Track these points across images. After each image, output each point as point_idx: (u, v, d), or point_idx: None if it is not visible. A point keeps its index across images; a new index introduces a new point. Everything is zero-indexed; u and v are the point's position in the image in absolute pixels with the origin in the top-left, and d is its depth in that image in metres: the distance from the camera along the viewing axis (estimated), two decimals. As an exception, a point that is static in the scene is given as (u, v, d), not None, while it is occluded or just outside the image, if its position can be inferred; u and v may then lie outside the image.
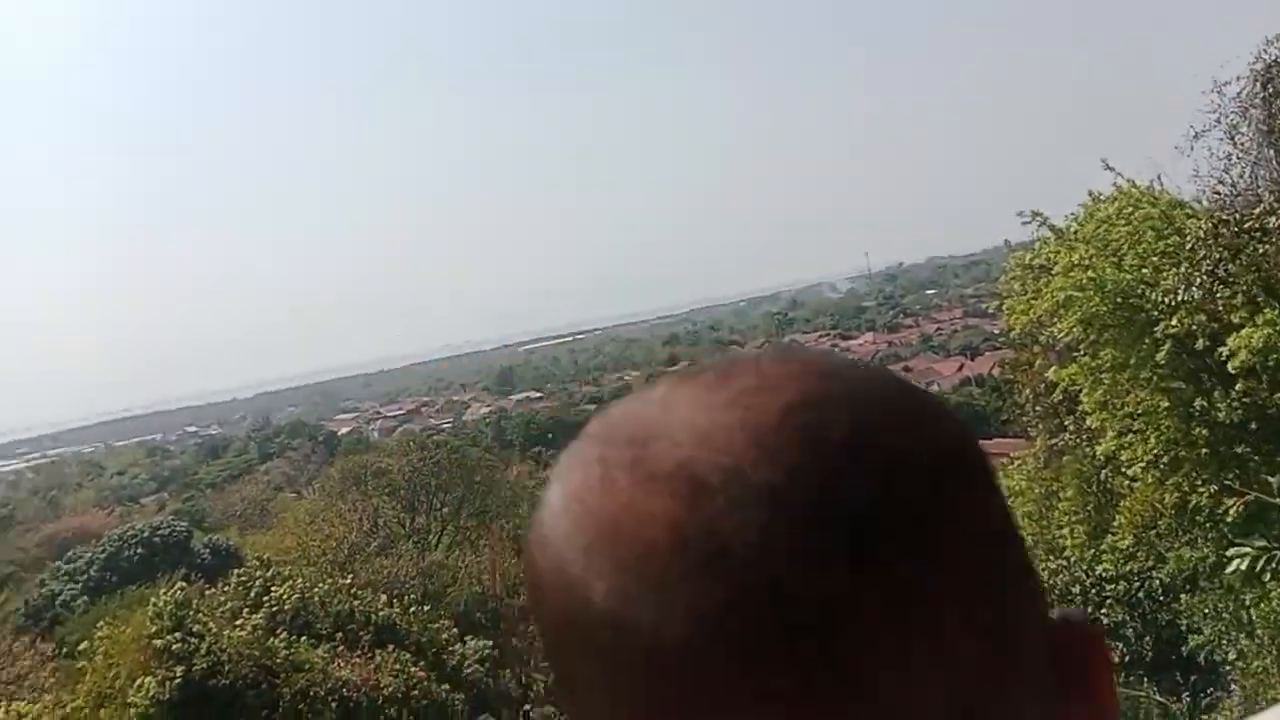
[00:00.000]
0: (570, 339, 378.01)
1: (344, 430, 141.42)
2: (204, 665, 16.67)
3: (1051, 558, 18.66)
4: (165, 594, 18.45)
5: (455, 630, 23.17)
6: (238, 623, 18.76)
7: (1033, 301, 16.30)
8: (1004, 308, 17.93)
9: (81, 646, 19.88)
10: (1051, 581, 17.48)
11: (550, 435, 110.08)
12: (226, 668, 16.90)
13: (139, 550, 50.35)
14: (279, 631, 18.56)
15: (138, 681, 16.40)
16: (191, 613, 17.95)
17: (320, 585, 22.00)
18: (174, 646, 16.81)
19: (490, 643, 24.92)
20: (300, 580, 21.53)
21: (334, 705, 16.99)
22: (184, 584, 20.31)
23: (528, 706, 31.20)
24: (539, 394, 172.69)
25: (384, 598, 22.69)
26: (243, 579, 21.75)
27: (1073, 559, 18.44)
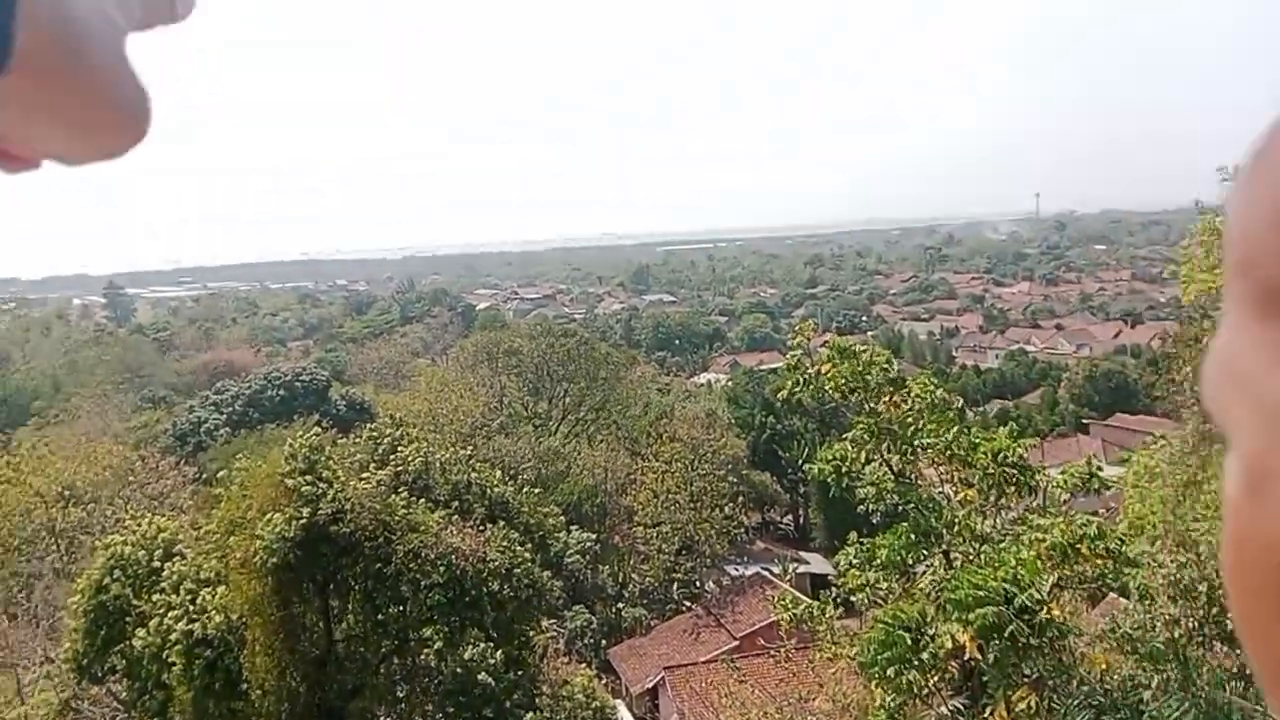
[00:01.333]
0: (710, 245, 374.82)
1: (482, 305, 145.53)
2: (329, 510, 17.65)
3: (1181, 550, 17.66)
4: (301, 437, 19.48)
5: (562, 519, 23.75)
6: (364, 475, 19.74)
7: (1216, 271, 15.03)
8: (1180, 274, 16.63)
9: (220, 474, 21.24)
10: (1177, 576, 16.58)
11: (677, 341, 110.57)
12: (349, 516, 17.85)
13: (281, 391, 53.60)
14: (400, 490, 19.45)
15: (267, 516, 17.50)
16: (323, 459, 18.93)
17: (443, 452, 22.90)
18: (304, 488, 17.82)
19: (594, 536, 25.59)
20: (425, 445, 22.43)
21: (442, 569, 17.77)
22: (318, 430, 21.27)
23: (620, 605, 32.16)
24: (672, 297, 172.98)
25: (499, 474, 23.46)
26: (373, 434, 22.81)
27: (1204, 555, 17.43)
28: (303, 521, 17.38)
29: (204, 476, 33.12)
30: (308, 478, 18.13)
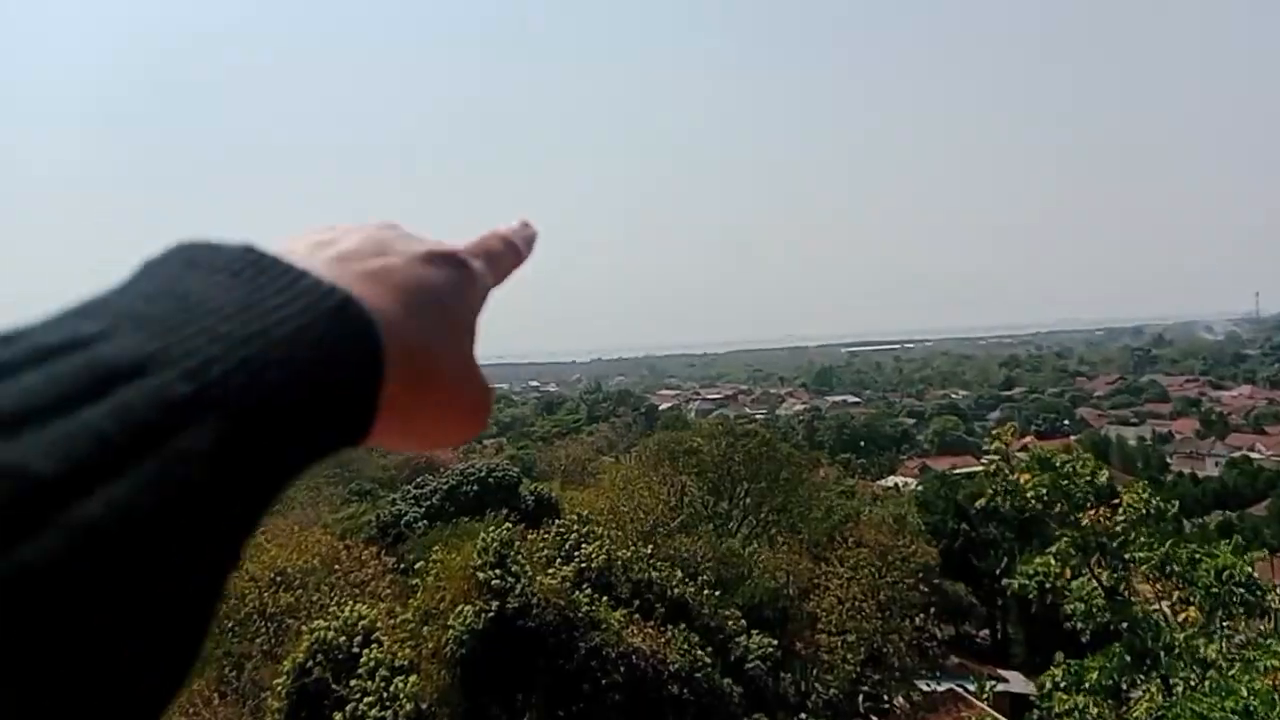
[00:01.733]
0: (898, 346, 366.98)
1: (664, 405, 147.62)
2: (516, 604, 18.14)
3: None
4: (493, 531, 20.24)
5: (743, 622, 23.33)
6: (550, 571, 20.20)
7: None
8: None
9: (417, 565, 22.25)
10: None
11: (862, 443, 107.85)
12: (534, 610, 18.27)
13: (475, 487, 55.89)
14: (584, 586, 19.74)
15: (459, 607, 18.16)
16: (512, 553, 19.55)
17: (624, 550, 23.12)
18: (494, 581, 18.43)
19: (775, 642, 24.88)
20: (608, 542, 22.73)
21: (622, 669, 17.80)
22: (508, 525, 22.00)
23: (803, 715, 30.85)
24: (856, 398, 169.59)
25: (679, 574, 23.40)
26: (560, 530, 23.36)
27: None
28: (491, 614, 17.93)
29: (402, 566, 34.67)
30: (497, 571, 18.75)
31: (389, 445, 0.59)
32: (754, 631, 23.33)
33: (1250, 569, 11.54)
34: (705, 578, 26.21)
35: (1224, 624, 11.51)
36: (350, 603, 23.73)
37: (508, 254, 0.73)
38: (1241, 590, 11.26)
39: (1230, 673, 10.74)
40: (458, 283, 0.60)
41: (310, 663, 20.86)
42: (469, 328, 0.60)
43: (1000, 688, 35.69)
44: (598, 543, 22.24)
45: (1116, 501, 12.50)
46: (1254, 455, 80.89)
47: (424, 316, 0.55)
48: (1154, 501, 12.46)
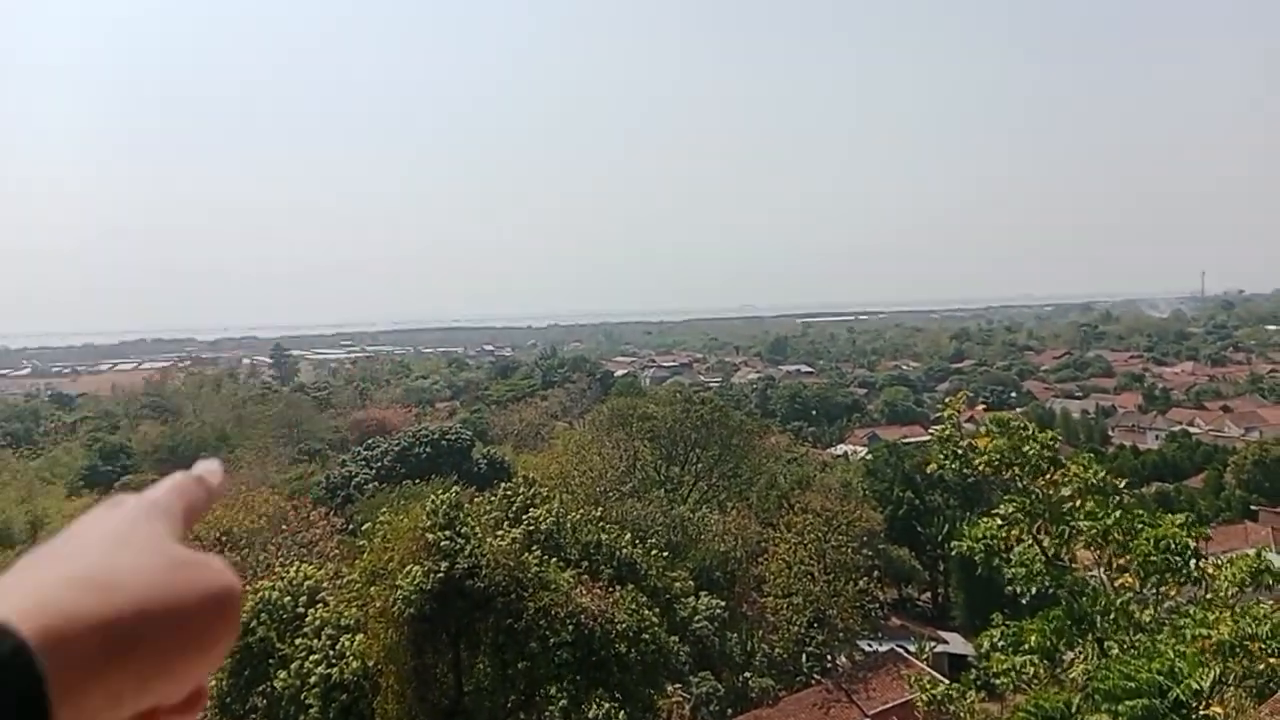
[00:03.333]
0: (853, 317, 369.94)
1: (620, 372, 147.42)
2: (465, 565, 18.05)
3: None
4: (442, 494, 20.09)
5: (691, 584, 23.52)
6: (499, 533, 20.13)
7: None
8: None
9: (365, 526, 22.05)
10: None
11: (814, 411, 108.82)
12: (484, 572, 18.19)
13: (427, 449, 55.62)
14: (533, 549, 19.71)
15: (407, 568, 18.03)
16: (461, 515, 19.44)
17: (574, 513, 23.11)
18: (442, 543, 18.32)
19: (723, 603, 25.16)
20: (557, 505, 22.71)
21: (571, 628, 17.85)
22: (458, 488, 21.86)
23: (748, 674, 31.33)
24: (810, 368, 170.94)
25: (629, 537, 23.48)
26: (507, 493, 23.29)
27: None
28: (440, 575, 17.82)
29: (350, 527, 34.42)
30: (446, 533, 18.62)
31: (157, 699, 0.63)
32: (702, 593, 23.56)
33: (1192, 542, 11.78)
34: (655, 540, 26.36)
35: (1159, 589, 11.76)
36: (297, 563, 23.47)
37: (204, 496, 0.84)
38: (1178, 559, 11.49)
39: (1159, 637, 11.01)
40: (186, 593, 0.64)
41: (254, 622, 20.63)
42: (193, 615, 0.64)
43: (940, 648, 36.55)
44: (546, 505, 22.20)
45: (1064, 470, 12.68)
46: (1193, 430, 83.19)
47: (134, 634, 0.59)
48: (1101, 474, 12.64)
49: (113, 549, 0.63)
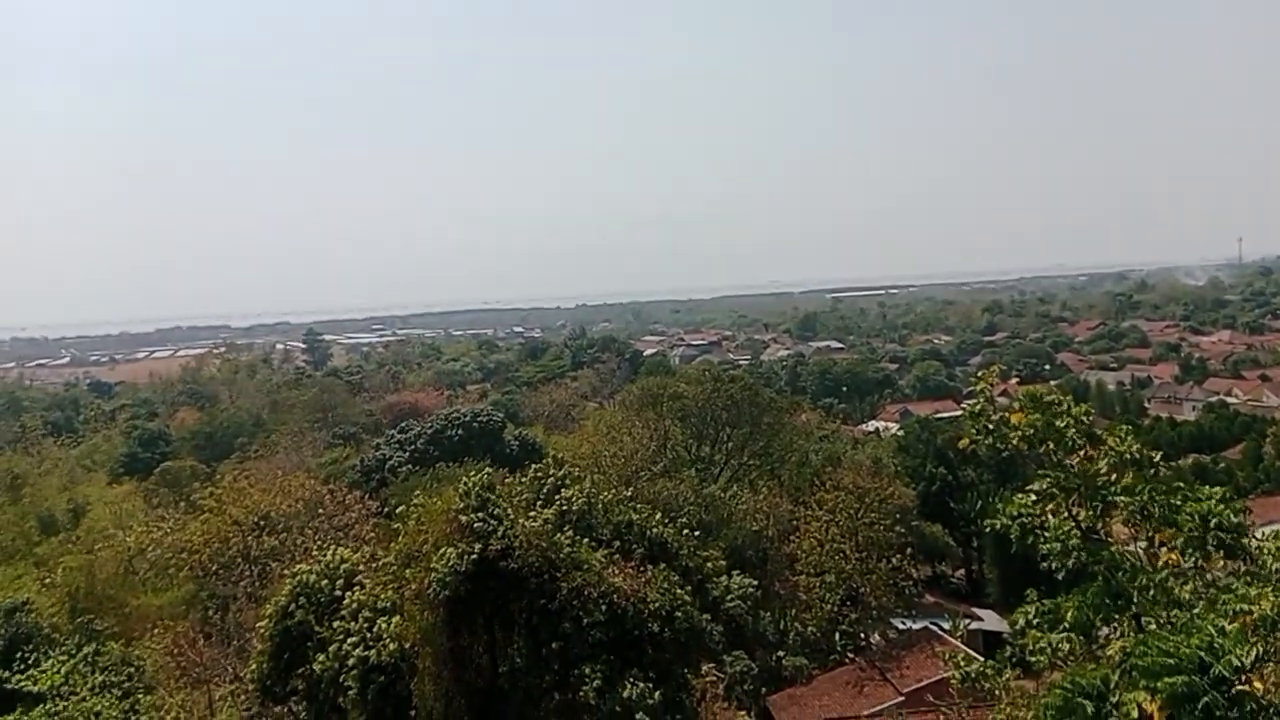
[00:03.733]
0: (883, 292, 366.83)
1: (649, 351, 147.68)
2: (498, 547, 18.15)
3: None
4: (474, 475, 20.19)
5: (723, 563, 23.52)
6: (531, 514, 20.22)
7: None
8: None
9: (399, 509, 22.25)
10: None
11: (844, 388, 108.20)
12: (517, 553, 18.29)
13: (459, 431, 55.98)
14: (565, 529, 19.79)
15: (441, 550, 18.18)
16: (494, 497, 19.54)
17: (605, 493, 23.17)
18: (475, 524, 18.42)
19: (755, 582, 25.12)
20: (589, 485, 22.78)
21: (604, 608, 17.92)
22: (490, 470, 21.94)
23: (781, 653, 31.38)
24: (840, 344, 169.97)
25: (659, 516, 23.52)
26: (538, 474, 23.37)
27: None
28: (473, 556, 17.94)
29: (386, 510, 34.79)
30: (479, 514, 18.73)
31: None
32: (735, 572, 23.52)
33: (1236, 517, 11.61)
34: (686, 520, 26.37)
35: (1199, 564, 11.60)
36: (333, 546, 23.75)
37: None
38: (1223, 534, 11.32)
39: (1196, 612, 10.86)
40: None
41: (292, 605, 20.91)
42: None
43: (974, 625, 36.33)
44: (577, 486, 22.26)
45: (1099, 444, 12.51)
46: (1230, 400, 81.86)
47: None
48: (1136, 446, 12.44)
49: None
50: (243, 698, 22.65)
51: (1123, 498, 11.88)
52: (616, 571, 19.11)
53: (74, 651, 25.42)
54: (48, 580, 37.15)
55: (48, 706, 22.60)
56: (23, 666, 24.96)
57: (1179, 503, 11.61)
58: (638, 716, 16.91)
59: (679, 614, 18.69)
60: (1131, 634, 11.49)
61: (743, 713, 24.07)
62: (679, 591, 19.23)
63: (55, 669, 24.23)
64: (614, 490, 24.44)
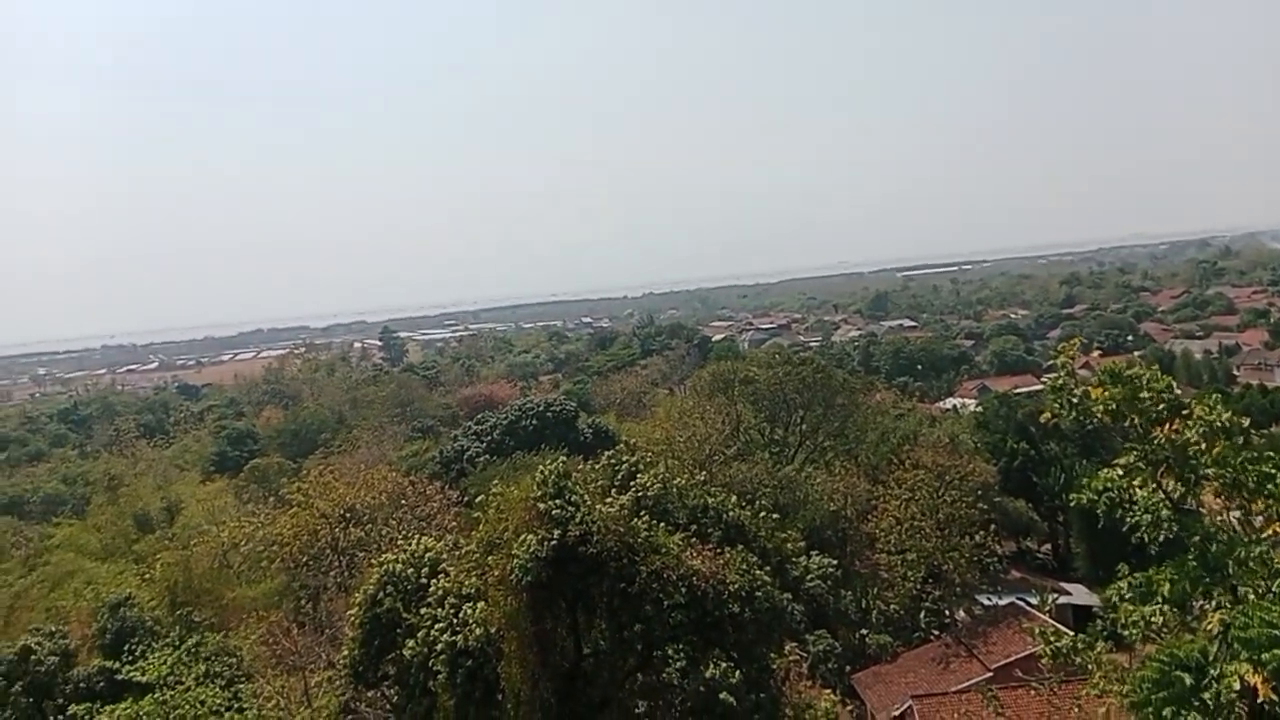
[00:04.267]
0: (955, 268, 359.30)
1: (717, 336, 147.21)
2: (577, 532, 18.38)
3: None
4: (550, 463, 20.46)
5: (802, 544, 23.45)
6: (607, 500, 20.42)
7: None
8: None
9: (479, 498, 22.65)
10: None
11: (919, 366, 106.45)
12: (595, 538, 18.49)
13: (534, 421, 56.74)
14: (641, 514, 19.94)
15: (521, 536, 18.48)
16: (570, 484, 19.77)
17: (681, 478, 23.27)
18: (554, 511, 18.67)
19: (835, 562, 25.05)
20: (664, 470, 22.90)
21: (683, 590, 18.03)
22: (565, 458, 22.19)
23: (864, 631, 31.17)
24: (913, 322, 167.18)
25: (734, 499, 23.53)
26: (612, 461, 23.57)
27: None
28: (553, 542, 18.21)
29: (466, 500, 35.44)
30: (557, 501, 18.98)
31: None
32: (814, 553, 23.48)
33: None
34: (763, 502, 26.34)
35: (1297, 533, 11.22)
36: (417, 536, 24.29)
37: None
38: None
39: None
40: None
41: (380, 594, 21.45)
42: None
43: (1062, 600, 35.59)
44: (651, 471, 22.40)
45: (1186, 414, 12.18)
46: (1326, 364, 78.50)
47: None
48: (1226, 415, 12.08)
49: None
50: (337, 683, 23.33)
51: (1214, 469, 11.56)
52: (694, 554, 19.20)
53: (177, 643, 26.57)
54: (147, 575, 38.83)
55: (157, 696, 23.61)
56: (130, 658, 26.19)
57: (1272, 471, 11.25)
58: (721, 696, 17.02)
59: (759, 594, 18.71)
60: (1229, 606, 11.18)
61: (828, 691, 24.00)
62: (758, 572, 19.25)
63: (161, 660, 25.37)
64: (688, 474, 24.51)
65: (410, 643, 19.95)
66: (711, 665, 17.37)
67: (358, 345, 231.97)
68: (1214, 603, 11.63)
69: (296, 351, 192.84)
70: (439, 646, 19.33)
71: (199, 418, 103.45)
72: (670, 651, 17.61)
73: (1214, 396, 12.82)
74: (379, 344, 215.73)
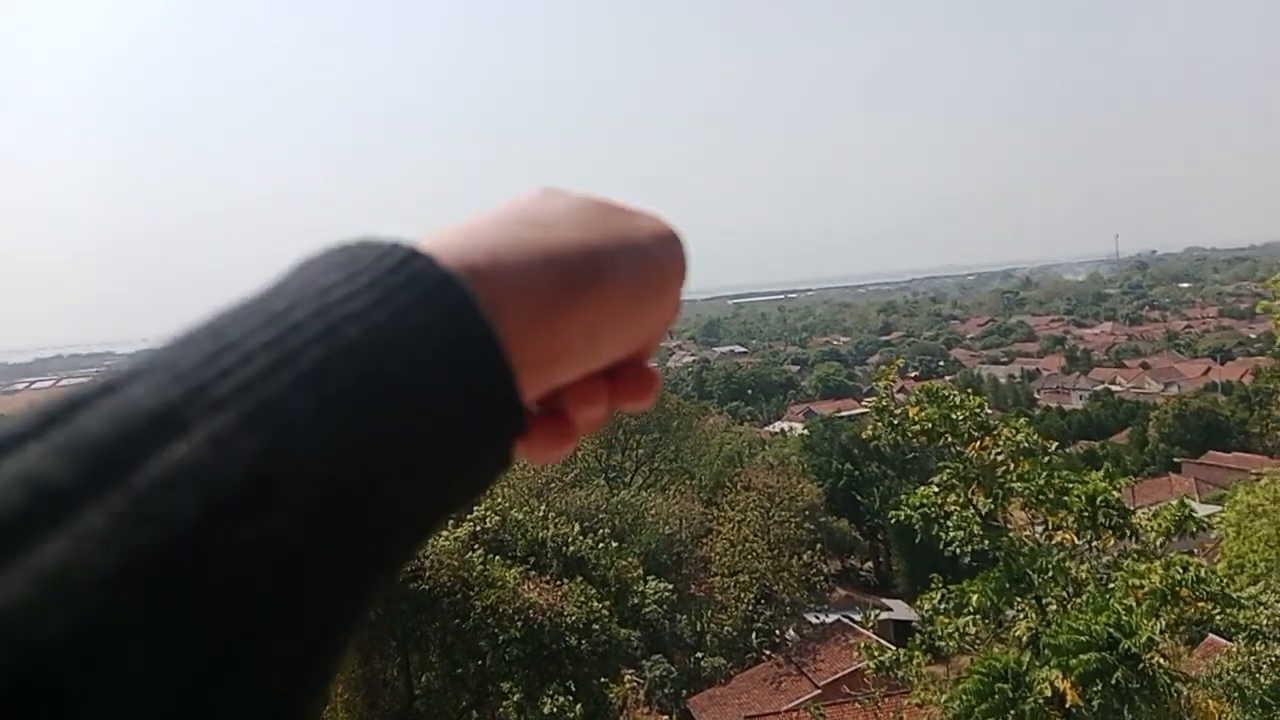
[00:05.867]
0: (782, 296, 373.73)
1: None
2: (408, 568, 17.78)
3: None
4: (380, 496, 19.72)
5: (640, 571, 23.54)
6: (442, 533, 19.87)
7: (1308, 307, 14.45)
8: (1270, 310, 15.90)
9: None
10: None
11: (750, 391, 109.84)
12: (428, 573, 17.93)
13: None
14: (477, 547, 19.50)
15: (350, 573, 17.71)
16: (401, 517, 19.11)
17: (518, 510, 22.94)
18: (383, 546, 18.00)
19: (671, 586, 25.27)
20: (501, 501, 22.51)
21: (519, 624, 17.71)
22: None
23: (699, 654, 31.54)
24: (743, 348, 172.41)
25: (576, 528, 23.39)
26: (448, 493, 22.91)
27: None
28: (382, 579, 17.52)
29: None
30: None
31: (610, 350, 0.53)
32: (650, 578, 23.56)
33: (1118, 494, 12.13)
34: (602, 531, 26.31)
35: (1093, 544, 12.10)
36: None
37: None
38: (1112, 514, 11.85)
39: (1104, 590, 11.31)
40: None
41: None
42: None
43: (884, 615, 37.10)
44: (488, 503, 21.98)
45: (995, 434, 12.94)
46: (1115, 388, 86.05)
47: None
48: (1032, 436, 12.96)
49: (542, 201, 0.53)
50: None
51: (1019, 484, 12.37)
52: (532, 587, 18.92)
53: None
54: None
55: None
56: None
57: (1069, 484, 12.14)
58: (559, 730, 16.77)
59: (596, 626, 18.61)
60: (1034, 614, 11.94)
61: (664, 716, 24.10)
62: (595, 604, 19.15)
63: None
64: (525, 504, 24.18)
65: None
66: (549, 699, 17.10)
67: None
68: (1020, 612, 12.38)
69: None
70: (258, 695, 18.20)
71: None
72: (507, 687, 17.23)
73: (1020, 419, 13.74)
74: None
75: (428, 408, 0.39)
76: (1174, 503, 12.68)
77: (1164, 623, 9.95)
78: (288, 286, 0.40)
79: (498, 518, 21.32)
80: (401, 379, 0.38)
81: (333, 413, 0.35)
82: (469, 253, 0.45)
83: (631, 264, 0.52)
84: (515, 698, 17.03)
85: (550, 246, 0.48)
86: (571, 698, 17.40)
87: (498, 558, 19.59)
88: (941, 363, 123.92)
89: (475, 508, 21.56)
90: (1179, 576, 10.57)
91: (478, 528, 20.75)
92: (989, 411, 13.15)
